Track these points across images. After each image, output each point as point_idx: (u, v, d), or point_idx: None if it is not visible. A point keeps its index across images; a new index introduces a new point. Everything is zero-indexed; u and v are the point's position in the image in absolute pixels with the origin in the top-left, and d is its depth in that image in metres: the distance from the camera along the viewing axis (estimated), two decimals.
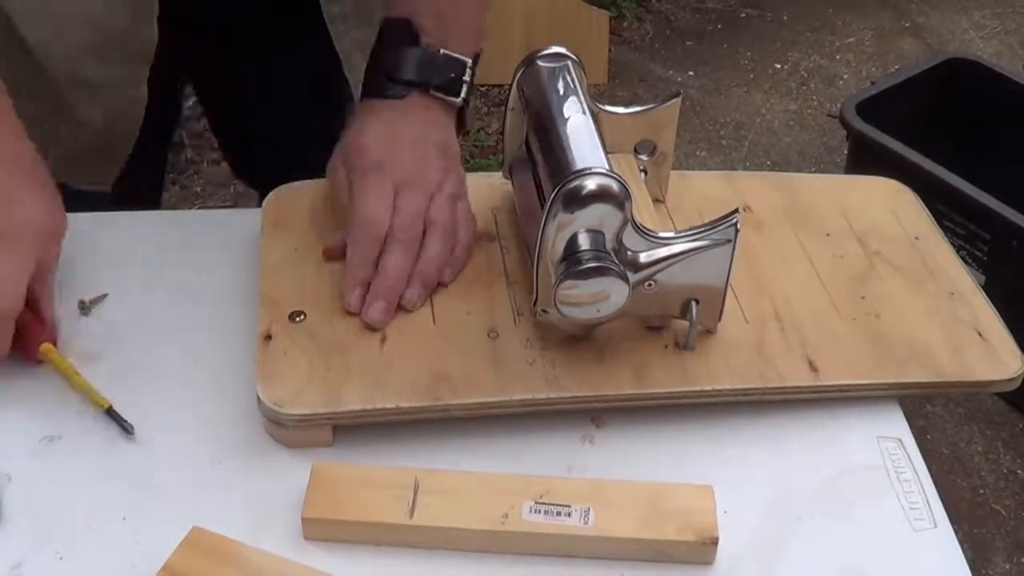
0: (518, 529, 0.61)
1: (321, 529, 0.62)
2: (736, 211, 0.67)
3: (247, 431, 0.68)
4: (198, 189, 2.22)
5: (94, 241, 0.80)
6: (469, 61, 0.78)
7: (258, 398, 0.66)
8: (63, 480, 0.65)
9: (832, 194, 0.86)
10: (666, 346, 0.71)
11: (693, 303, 0.69)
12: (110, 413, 0.68)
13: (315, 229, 0.77)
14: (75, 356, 0.72)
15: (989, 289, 0.80)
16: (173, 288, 0.77)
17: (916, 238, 0.82)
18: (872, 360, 0.72)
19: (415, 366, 0.69)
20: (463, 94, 0.78)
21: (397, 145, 0.75)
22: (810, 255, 0.80)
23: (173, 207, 2.13)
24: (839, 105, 2.07)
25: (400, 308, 0.72)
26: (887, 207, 0.85)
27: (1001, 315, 0.77)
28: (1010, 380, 0.73)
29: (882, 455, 0.69)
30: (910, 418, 0.72)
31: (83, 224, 0.81)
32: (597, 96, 0.75)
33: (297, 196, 0.81)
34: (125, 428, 0.67)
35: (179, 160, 2.24)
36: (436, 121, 0.78)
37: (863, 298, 0.76)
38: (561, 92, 0.73)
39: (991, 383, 0.73)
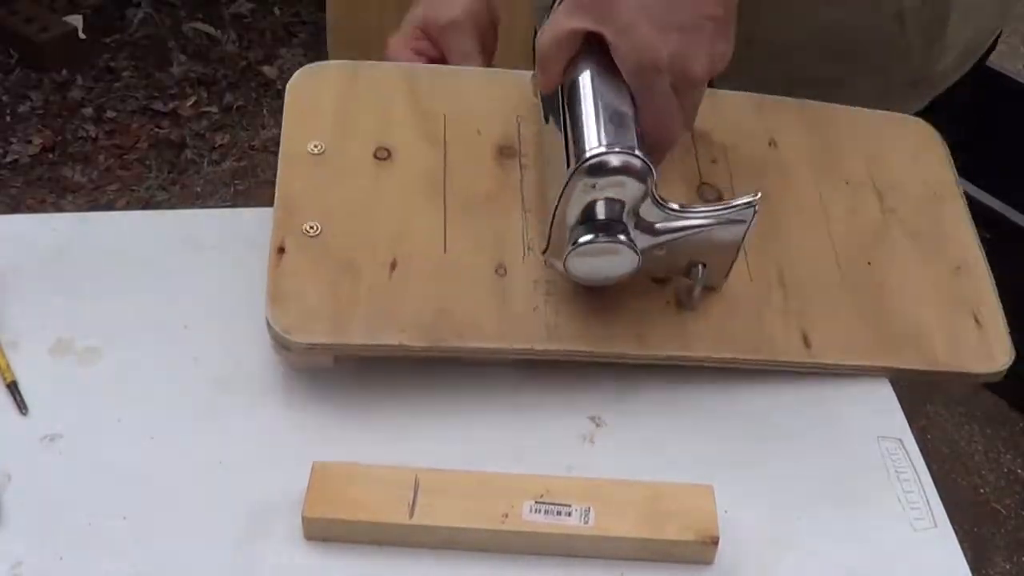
0: (518, 529, 0.61)
1: (321, 529, 0.62)
2: (757, 194, 0.67)
3: (248, 431, 0.68)
4: (198, 189, 2.22)
5: (93, 239, 0.80)
6: None
7: (267, 322, 0.67)
8: (63, 480, 0.65)
9: (861, 135, 0.84)
10: (668, 302, 0.72)
11: (700, 267, 0.69)
12: (11, 388, 0.69)
13: (341, 127, 0.75)
14: (74, 354, 0.72)
15: None
16: (173, 287, 0.77)
17: (935, 194, 0.82)
18: (867, 341, 0.73)
19: (421, 299, 0.69)
20: None
21: None
22: (826, 207, 0.79)
23: (173, 207, 2.13)
24: None
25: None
26: (912, 156, 0.84)
27: None
28: (997, 373, 0.74)
29: (882, 455, 0.69)
30: (910, 418, 0.72)
31: (82, 222, 0.81)
32: None
33: (326, 81, 0.77)
34: (19, 407, 0.68)
35: (179, 160, 2.24)
36: None
37: (869, 264, 0.76)
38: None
39: (979, 375, 0.74)
